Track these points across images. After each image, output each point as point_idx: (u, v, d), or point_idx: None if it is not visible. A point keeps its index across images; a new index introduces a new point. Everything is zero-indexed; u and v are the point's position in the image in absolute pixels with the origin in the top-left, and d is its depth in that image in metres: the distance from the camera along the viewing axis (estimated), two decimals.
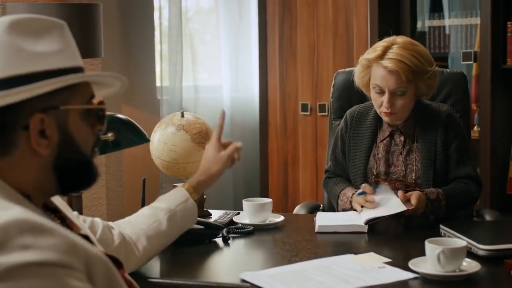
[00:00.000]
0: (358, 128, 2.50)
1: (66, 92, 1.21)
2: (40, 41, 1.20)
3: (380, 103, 2.37)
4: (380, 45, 2.39)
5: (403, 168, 2.40)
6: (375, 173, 2.42)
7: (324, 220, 2.25)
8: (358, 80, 2.47)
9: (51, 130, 1.19)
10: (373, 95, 2.40)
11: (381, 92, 2.36)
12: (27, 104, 1.16)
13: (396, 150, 2.43)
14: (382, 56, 2.35)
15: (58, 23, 1.25)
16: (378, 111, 2.41)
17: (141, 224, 1.82)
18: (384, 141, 2.45)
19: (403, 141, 2.42)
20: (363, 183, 2.39)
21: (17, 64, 1.17)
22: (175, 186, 2.39)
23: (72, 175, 1.25)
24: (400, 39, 2.39)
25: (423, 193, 2.28)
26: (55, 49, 1.21)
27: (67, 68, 1.22)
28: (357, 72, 2.46)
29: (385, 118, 2.40)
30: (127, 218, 1.86)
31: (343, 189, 2.45)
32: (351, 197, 2.37)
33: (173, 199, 1.91)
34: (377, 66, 2.36)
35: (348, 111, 2.57)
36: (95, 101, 1.28)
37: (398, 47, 2.35)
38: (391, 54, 2.34)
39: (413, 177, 2.38)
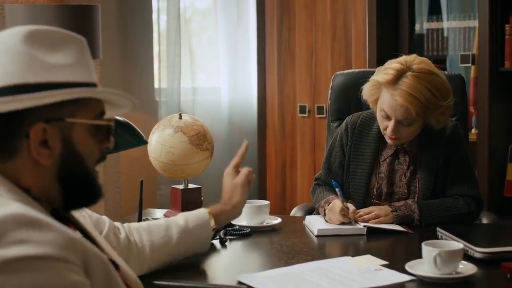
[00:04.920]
0: (360, 142, 2.39)
1: (74, 105, 1.20)
2: (55, 53, 1.20)
3: (385, 126, 2.27)
4: (393, 67, 2.22)
5: (405, 190, 2.31)
6: (375, 193, 2.33)
7: (317, 223, 2.23)
8: (366, 96, 2.33)
9: (54, 141, 1.19)
10: (378, 116, 2.30)
11: (387, 117, 2.25)
12: (33, 113, 1.16)
13: (399, 170, 2.33)
14: (393, 82, 2.20)
15: (77, 38, 1.26)
16: (382, 131, 2.31)
17: (151, 235, 1.82)
18: (387, 160, 2.34)
19: (408, 161, 2.32)
20: (363, 201, 2.32)
21: (27, 73, 1.17)
22: (173, 188, 2.40)
23: (76, 188, 1.24)
24: (416, 65, 2.21)
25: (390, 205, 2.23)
26: (68, 62, 1.21)
27: (77, 82, 1.21)
28: (366, 89, 2.31)
29: (389, 141, 2.30)
30: (140, 223, 1.86)
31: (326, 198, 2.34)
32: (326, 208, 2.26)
33: (192, 218, 1.90)
34: (386, 92, 2.23)
35: (348, 120, 2.44)
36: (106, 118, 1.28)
37: (412, 75, 2.18)
38: (403, 84, 2.18)
39: (415, 199, 2.28)
